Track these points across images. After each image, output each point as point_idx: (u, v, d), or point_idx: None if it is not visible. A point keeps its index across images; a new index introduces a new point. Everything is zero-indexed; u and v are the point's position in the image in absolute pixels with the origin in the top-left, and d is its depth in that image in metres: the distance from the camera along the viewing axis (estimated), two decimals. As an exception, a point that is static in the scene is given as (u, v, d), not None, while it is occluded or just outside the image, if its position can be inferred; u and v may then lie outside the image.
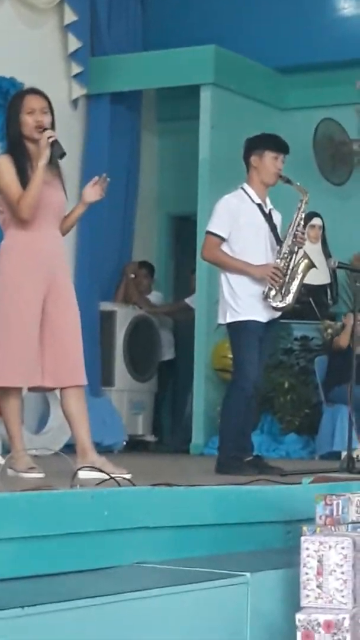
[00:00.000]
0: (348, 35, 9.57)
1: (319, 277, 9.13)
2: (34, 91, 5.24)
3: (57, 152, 5.08)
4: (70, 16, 9.33)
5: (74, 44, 9.40)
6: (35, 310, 5.07)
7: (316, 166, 9.72)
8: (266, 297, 6.14)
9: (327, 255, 9.29)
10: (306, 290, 8.99)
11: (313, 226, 9.23)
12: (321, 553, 3.51)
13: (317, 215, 9.25)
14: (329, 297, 9.43)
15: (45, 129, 5.06)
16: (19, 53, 8.90)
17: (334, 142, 9.79)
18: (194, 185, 9.25)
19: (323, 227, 9.35)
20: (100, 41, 9.67)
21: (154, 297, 10.10)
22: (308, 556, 3.52)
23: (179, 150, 10.30)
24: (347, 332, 8.66)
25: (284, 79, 9.99)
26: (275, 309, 6.19)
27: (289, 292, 6.19)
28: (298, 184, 6.37)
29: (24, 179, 5.05)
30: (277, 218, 6.36)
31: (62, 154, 5.10)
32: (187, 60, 9.36)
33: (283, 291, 6.17)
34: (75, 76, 9.47)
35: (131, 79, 9.62)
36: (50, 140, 5.04)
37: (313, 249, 8.89)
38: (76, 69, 9.45)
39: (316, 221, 9.27)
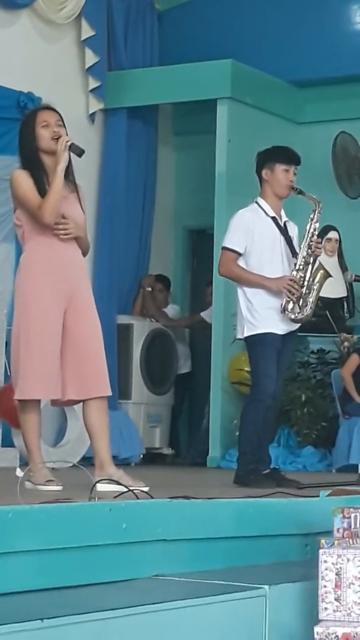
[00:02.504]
0: (364, 49, 9.59)
1: (336, 290, 9.14)
2: (46, 107, 5.31)
3: (75, 150, 5.11)
4: (87, 31, 9.39)
5: (91, 58, 9.46)
6: (55, 323, 5.08)
7: (333, 179, 9.73)
8: (284, 310, 6.15)
9: (344, 268, 9.30)
10: (323, 303, 9.00)
11: (330, 239, 9.23)
12: (339, 566, 3.51)
13: (333, 228, 9.25)
14: (345, 310, 9.44)
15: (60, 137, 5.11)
16: (36, 68, 8.95)
17: (349, 156, 9.80)
18: (211, 198, 9.27)
19: (340, 241, 9.35)
20: (117, 56, 9.72)
21: (171, 310, 10.10)
22: (326, 569, 3.52)
23: (196, 164, 10.32)
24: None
25: (301, 92, 10.01)
26: (294, 320, 6.19)
27: (306, 304, 6.18)
28: (310, 194, 6.35)
29: (41, 192, 5.07)
30: (292, 230, 6.35)
31: (81, 152, 5.13)
32: (203, 74, 9.40)
33: (300, 303, 6.18)
34: (93, 91, 9.52)
35: (148, 93, 9.66)
36: (68, 143, 5.08)
37: (330, 262, 8.89)
38: (93, 83, 9.51)
39: (333, 234, 9.28)
